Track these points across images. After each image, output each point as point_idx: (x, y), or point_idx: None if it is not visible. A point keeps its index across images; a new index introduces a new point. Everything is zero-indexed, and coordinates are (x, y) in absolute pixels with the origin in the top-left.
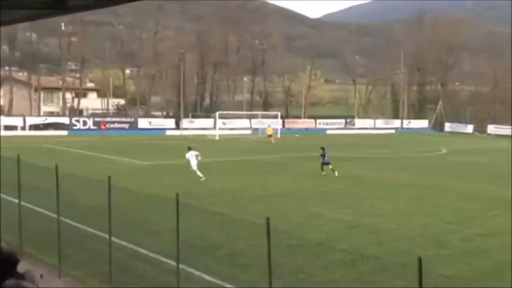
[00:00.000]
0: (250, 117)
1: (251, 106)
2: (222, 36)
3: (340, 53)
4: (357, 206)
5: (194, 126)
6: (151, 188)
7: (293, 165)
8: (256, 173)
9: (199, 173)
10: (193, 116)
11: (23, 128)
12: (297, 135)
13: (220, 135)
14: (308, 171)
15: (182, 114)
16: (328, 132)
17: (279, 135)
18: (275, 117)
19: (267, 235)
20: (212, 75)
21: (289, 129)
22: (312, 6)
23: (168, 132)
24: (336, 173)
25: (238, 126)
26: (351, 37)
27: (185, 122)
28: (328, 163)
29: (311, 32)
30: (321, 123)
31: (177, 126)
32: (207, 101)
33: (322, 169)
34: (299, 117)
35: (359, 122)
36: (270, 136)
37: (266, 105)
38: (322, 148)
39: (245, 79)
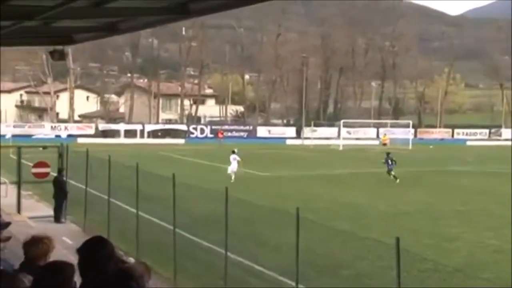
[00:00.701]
0: (378, 126)
1: (379, 114)
2: (348, 38)
3: (485, 54)
4: (501, 228)
5: (316, 135)
6: (269, 200)
7: (425, 180)
8: (382, 187)
9: (232, 177)
10: (316, 125)
11: (142, 135)
12: (431, 147)
13: (344, 145)
14: (443, 186)
15: (303, 122)
16: (469, 143)
17: (410, 146)
18: (406, 126)
19: (397, 257)
20: (337, 79)
21: (421, 139)
22: (453, 2)
23: (288, 142)
24: (398, 180)
25: (364, 136)
26: (498, 35)
27: (306, 131)
28: (390, 170)
29: (450, 31)
30: (459, 133)
31: (298, 135)
32: (330, 108)
33: (392, 176)
34: (434, 126)
35: (506, 133)
36: (384, 145)
37: (396, 113)
38: (387, 154)
39: (373, 84)
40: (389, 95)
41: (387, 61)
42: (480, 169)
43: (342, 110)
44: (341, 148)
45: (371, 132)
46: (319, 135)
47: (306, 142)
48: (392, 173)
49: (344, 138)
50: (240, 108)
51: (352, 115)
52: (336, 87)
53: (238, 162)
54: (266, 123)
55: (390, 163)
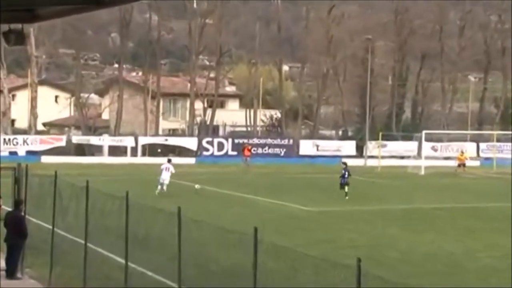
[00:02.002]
0: (478, 139)
1: (480, 121)
2: (434, 12)
3: None
4: None
5: (386, 152)
6: (317, 247)
7: None
8: (482, 227)
9: (158, 188)
10: (385, 137)
11: (134, 152)
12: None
13: (427, 168)
14: None
15: (367, 134)
16: None
17: None
18: None
19: None
20: (417, 72)
21: None
22: None
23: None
24: (347, 197)
25: (457, 153)
26: None
27: (371, 147)
28: (345, 184)
29: None
30: None
31: (360, 153)
32: (407, 113)
33: (342, 189)
34: None
35: None
36: (460, 165)
37: (506, 120)
38: (344, 164)
39: (472, 78)
40: (495, 94)
41: (493, 44)
42: None
43: (424, 116)
44: (422, 172)
45: (468, 148)
46: (389, 153)
47: (371, 162)
48: (346, 188)
49: (427, 158)
50: (276, 114)
51: (439, 123)
52: (415, 83)
53: (171, 172)
54: (312, 135)
55: (346, 175)
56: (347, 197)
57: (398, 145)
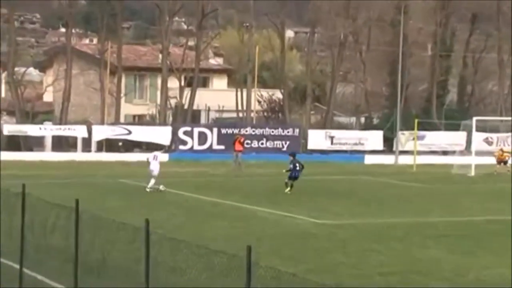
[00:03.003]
0: None
1: None
2: None
3: None
4: None
5: (424, 146)
6: (332, 273)
7: None
8: None
9: (151, 183)
10: (422, 126)
11: (87, 145)
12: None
13: (479, 166)
14: None
15: (398, 121)
16: None
17: None
18: None
19: None
20: (466, 39)
21: None
22: None
23: (369, 159)
24: (289, 191)
25: None
26: None
27: (404, 139)
28: (294, 179)
29: None
30: None
31: (389, 147)
32: (452, 94)
33: (287, 186)
34: None
35: None
36: (501, 162)
37: None
38: (292, 155)
39: None
40: None
41: None
42: None
43: (475, 98)
44: (472, 172)
45: None
46: (428, 147)
47: (404, 159)
48: (290, 182)
49: (478, 153)
50: (276, 94)
51: (495, 107)
52: (463, 54)
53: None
54: (325, 124)
55: (297, 168)
56: (288, 191)
57: (440, 137)
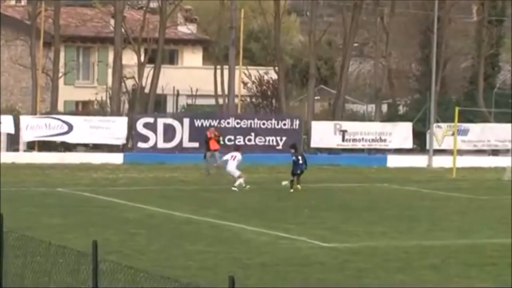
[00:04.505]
0: None
1: None
2: None
3: None
4: None
5: (468, 144)
6: None
7: None
8: None
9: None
10: (463, 116)
11: (14, 142)
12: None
13: None
14: None
15: (433, 111)
16: None
17: None
18: None
19: None
20: None
21: None
22: None
23: (393, 160)
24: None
25: None
26: None
27: (440, 134)
28: (299, 173)
29: None
30: None
31: (422, 145)
32: (505, 72)
33: (292, 185)
34: None
35: None
36: None
37: None
38: (293, 148)
39: None
40: None
41: None
42: None
43: None
44: None
45: None
46: (473, 144)
47: (440, 161)
48: (292, 179)
49: None
50: (269, 74)
51: None
52: None
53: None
54: (334, 114)
55: (299, 162)
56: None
57: (488, 131)
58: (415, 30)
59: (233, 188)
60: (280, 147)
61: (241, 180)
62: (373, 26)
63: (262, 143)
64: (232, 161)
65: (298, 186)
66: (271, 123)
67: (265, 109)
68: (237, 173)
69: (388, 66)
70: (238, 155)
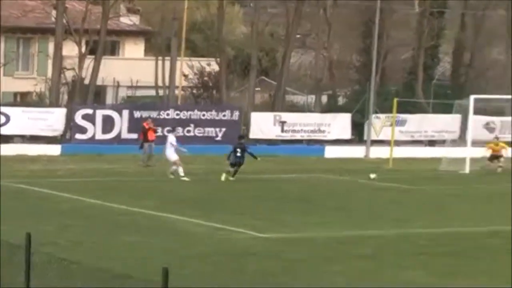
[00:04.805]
0: None
1: None
2: None
3: None
4: None
5: (405, 135)
6: None
7: None
8: None
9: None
10: (402, 107)
11: None
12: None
13: (477, 161)
14: None
15: (371, 101)
16: None
17: None
18: None
19: None
20: None
21: None
22: None
23: (331, 151)
24: (226, 178)
25: None
26: None
27: (378, 124)
28: (237, 164)
29: None
30: None
31: (359, 136)
32: (444, 65)
33: (230, 174)
34: None
35: None
36: (494, 157)
37: None
38: (241, 138)
39: None
40: None
41: None
42: None
43: (475, 69)
44: (467, 169)
45: None
46: (411, 135)
47: (378, 152)
48: (231, 170)
49: (477, 143)
50: (211, 66)
51: (502, 83)
52: (460, 11)
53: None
54: (274, 105)
55: (237, 154)
56: (233, 178)
57: (426, 122)
58: (357, 21)
59: (170, 176)
60: (219, 138)
61: (176, 168)
62: (316, 17)
63: (201, 135)
64: (170, 147)
65: (231, 178)
66: (211, 114)
67: (206, 100)
68: (173, 158)
69: (329, 57)
70: (169, 137)
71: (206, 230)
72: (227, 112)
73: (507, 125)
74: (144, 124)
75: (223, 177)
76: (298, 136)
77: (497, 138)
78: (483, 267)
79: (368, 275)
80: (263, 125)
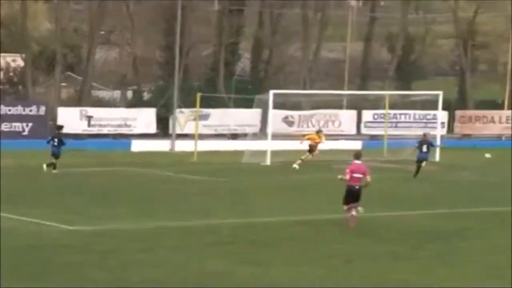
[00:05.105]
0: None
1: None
2: None
3: None
4: None
5: (209, 128)
6: None
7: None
8: None
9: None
10: (204, 103)
11: None
12: (487, 155)
13: (276, 154)
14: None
15: (176, 96)
16: None
17: (437, 153)
18: (431, 105)
19: None
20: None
21: (464, 137)
22: None
23: (137, 145)
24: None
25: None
26: None
27: (183, 118)
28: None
29: None
30: None
31: (164, 129)
32: (244, 61)
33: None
34: (496, 106)
35: None
36: (311, 150)
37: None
38: (59, 129)
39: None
40: (388, 28)
41: None
42: None
43: (273, 66)
44: (268, 161)
45: (344, 119)
46: (214, 129)
47: (183, 145)
48: (423, 164)
49: (276, 137)
50: (17, 61)
51: (298, 78)
52: (258, 9)
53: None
54: (81, 100)
55: (55, 143)
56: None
57: (228, 116)
58: (159, 18)
59: None
60: (26, 133)
61: None
62: (119, 14)
63: (7, 129)
64: None
65: (55, 170)
66: (17, 110)
67: (11, 95)
68: None
69: (133, 53)
70: None
71: (15, 224)
72: (34, 108)
73: (305, 118)
74: None
75: (44, 168)
76: (104, 131)
77: (319, 132)
78: (284, 255)
79: (174, 264)
80: (69, 120)
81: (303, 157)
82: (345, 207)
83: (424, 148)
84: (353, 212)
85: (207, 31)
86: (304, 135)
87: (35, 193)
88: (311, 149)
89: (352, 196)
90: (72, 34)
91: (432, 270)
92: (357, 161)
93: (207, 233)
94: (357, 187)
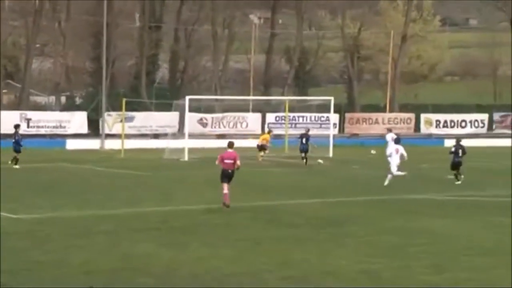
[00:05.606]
0: (263, 109)
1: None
2: None
3: None
4: None
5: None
6: (29, 272)
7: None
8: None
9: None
10: (129, 107)
11: None
12: (372, 152)
13: (196, 152)
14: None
15: (104, 100)
16: (448, 143)
17: (330, 150)
18: (324, 108)
19: None
20: (178, 9)
21: (352, 136)
22: None
23: (73, 144)
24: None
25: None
26: None
27: (112, 121)
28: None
29: None
30: (432, 124)
31: (95, 130)
32: (163, 71)
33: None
34: (379, 109)
35: None
36: (262, 149)
37: (304, 81)
38: (16, 127)
39: (253, 17)
40: (287, 42)
41: None
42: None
43: (188, 75)
44: (186, 157)
45: (251, 121)
46: (138, 129)
47: (111, 144)
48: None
49: (193, 136)
50: None
51: (210, 85)
52: (174, 26)
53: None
54: (20, 104)
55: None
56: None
57: (150, 118)
58: (87, 33)
59: None
60: None
61: None
62: (52, 29)
63: None
64: None
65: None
66: None
67: None
68: None
69: (65, 63)
70: None
71: None
72: None
73: (217, 120)
74: None
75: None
76: (42, 131)
77: (270, 130)
78: (201, 238)
79: (109, 249)
80: (10, 123)
81: (262, 154)
82: (225, 186)
83: (304, 141)
84: (226, 190)
85: (130, 45)
86: (260, 135)
87: None
88: (263, 147)
89: (227, 177)
90: (11, 47)
91: (331, 251)
92: (230, 150)
93: (136, 220)
94: (230, 171)
